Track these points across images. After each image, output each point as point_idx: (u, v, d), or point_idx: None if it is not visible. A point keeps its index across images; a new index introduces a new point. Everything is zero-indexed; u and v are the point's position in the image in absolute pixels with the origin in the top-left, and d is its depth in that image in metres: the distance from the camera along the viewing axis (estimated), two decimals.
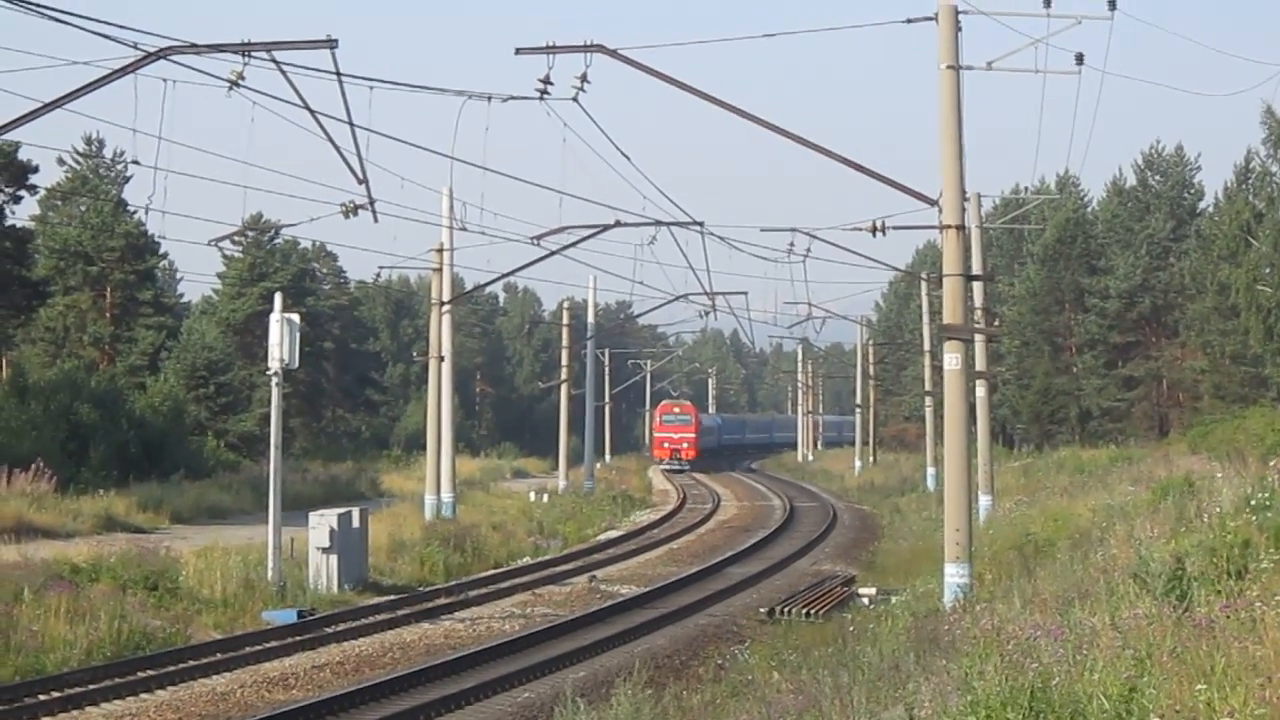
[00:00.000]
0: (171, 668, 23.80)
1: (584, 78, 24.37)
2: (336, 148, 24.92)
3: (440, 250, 47.78)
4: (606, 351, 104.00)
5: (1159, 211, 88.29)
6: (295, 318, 33.04)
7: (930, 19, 24.44)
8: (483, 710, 21.83)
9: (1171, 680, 11.08)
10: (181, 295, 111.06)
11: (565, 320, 77.46)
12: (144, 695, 22.22)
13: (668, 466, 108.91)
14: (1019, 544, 28.98)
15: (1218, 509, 20.84)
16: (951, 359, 24.65)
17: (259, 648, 26.19)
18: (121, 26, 21.75)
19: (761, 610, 31.45)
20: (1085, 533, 26.30)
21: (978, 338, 40.26)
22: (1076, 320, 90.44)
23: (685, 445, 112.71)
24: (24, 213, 67.03)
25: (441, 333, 48.38)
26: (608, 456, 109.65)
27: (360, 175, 25.48)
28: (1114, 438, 79.78)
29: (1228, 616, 12.61)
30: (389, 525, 41.90)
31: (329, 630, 28.56)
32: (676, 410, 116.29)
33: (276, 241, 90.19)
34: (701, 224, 36.54)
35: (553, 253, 42.79)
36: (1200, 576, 15.54)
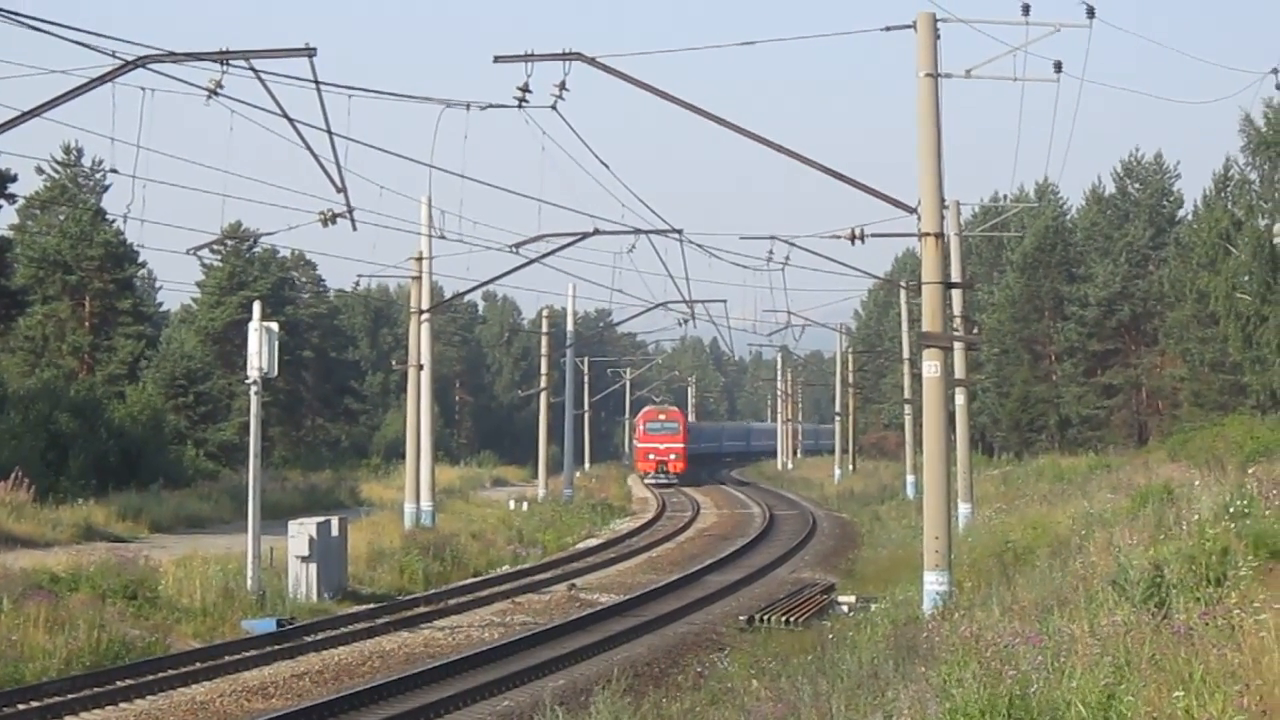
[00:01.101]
0: (151, 677, 23.77)
1: (563, 86, 24.40)
2: (315, 156, 24.88)
3: (419, 258, 47.76)
4: (586, 359, 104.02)
5: (1138, 219, 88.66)
6: (274, 326, 33.01)
7: (909, 27, 24.52)
8: (462, 718, 21.82)
9: (1150, 687, 11.12)
10: (160, 304, 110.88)
11: (544, 328, 77.40)
12: (123, 704, 22.22)
13: (653, 480, 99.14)
14: (998, 552, 29.02)
15: (1196, 516, 20.88)
16: (930, 367, 24.69)
17: (238, 656, 26.15)
18: (99, 35, 21.70)
19: (741, 618, 31.45)
20: (1064, 540, 26.32)
21: (957, 345, 40.38)
22: (1056, 328, 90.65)
23: (673, 457, 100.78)
24: (2, 222, 66.98)
25: (421, 341, 48.34)
26: (587, 465, 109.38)
27: (339, 183, 25.43)
28: (1093, 445, 79.93)
29: (1206, 624, 12.67)
30: (368, 534, 41.83)
31: (308, 639, 28.54)
32: (662, 417, 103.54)
33: (255, 250, 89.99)
34: (680, 232, 36.56)
35: (532, 261, 42.74)
36: (1179, 584, 15.60)
